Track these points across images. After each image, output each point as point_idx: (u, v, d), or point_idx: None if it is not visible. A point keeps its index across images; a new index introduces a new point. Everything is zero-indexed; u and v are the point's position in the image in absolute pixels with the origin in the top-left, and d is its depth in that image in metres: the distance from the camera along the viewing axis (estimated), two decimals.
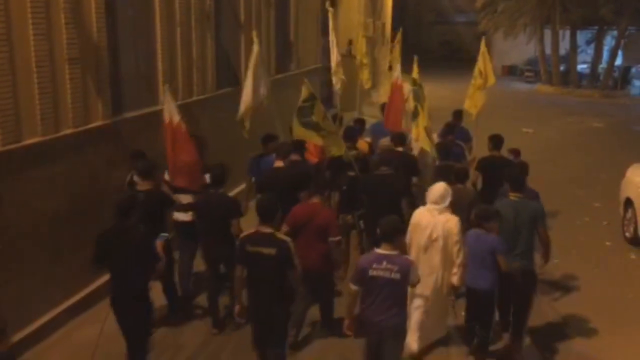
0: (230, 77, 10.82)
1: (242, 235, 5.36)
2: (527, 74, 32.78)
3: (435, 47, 40.43)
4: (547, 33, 29.98)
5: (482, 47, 10.24)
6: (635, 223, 9.45)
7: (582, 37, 31.27)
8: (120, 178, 7.40)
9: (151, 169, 6.23)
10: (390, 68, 14.88)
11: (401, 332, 5.20)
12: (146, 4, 8.17)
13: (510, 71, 35.10)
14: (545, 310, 7.41)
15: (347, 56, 19.71)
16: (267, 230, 5.10)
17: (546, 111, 22.13)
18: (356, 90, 16.35)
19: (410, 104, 8.86)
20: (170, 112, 6.68)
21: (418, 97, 8.50)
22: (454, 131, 8.91)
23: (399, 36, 12.84)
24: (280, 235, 5.19)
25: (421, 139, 8.37)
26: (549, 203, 10.93)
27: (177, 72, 8.81)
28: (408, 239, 5.90)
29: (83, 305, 6.81)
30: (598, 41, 30.53)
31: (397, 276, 4.88)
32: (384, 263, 4.89)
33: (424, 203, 6.15)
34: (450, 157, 8.28)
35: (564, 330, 6.94)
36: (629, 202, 9.82)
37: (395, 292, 4.95)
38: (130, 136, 7.67)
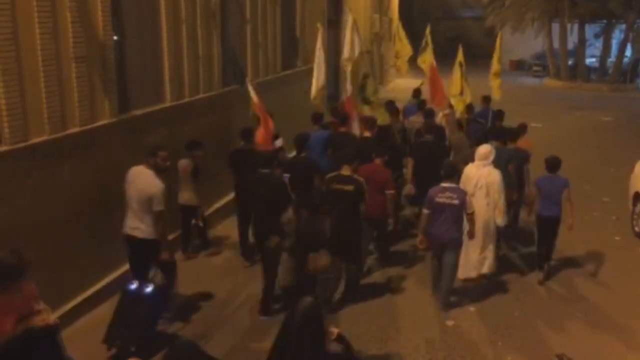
0: (237, 74, 10.81)
1: (327, 176, 7.16)
2: (535, 68, 32.64)
3: (443, 42, 40.28)
4: (555, 27, 29.82)
5: (498, 41, 12.56)
6: None
7: (590, 30, 31.08)
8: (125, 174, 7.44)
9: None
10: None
11: (458, 244, 6.99)
12: (152, 1, 8.18)
13: (518, 66, 35.01)
14: (552, 304, 7.40)
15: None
16: (347, 172, 6.96)
17: (554, 106, 22.01)
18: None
19: (458, 85, 10.92)
20: (255, 95, 8.93)
21: (465, 78, 10.92)
22: (473, 111, 11.26)
23: (428, 28, 13.30)
24: (357, 176, 6.97)
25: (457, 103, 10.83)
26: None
27: (183, 69, 8.81)
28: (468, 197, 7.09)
29: (85, 307, 6.86)
30: (606, 35, 30.35)
31: (456, 202, 6.76)
32: (447, 193, 6.81)
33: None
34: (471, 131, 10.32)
35: (572, 324, 6.93)
36: (638, 197, 9.77)
37: (454, 214, 6.79)
38: (137, 134, 7.69)
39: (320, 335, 3.66)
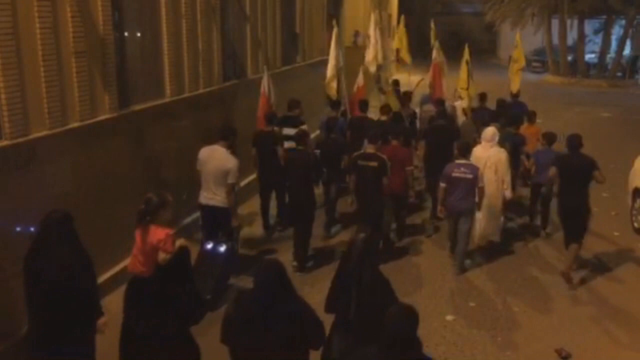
0: (237, 69, 10.81)
1: (354, 154, 8.17)
2: (534, 64, 32.57)
3: (442, 38, 40.18)
4: (555, 23, 29.78)
5: (517, 39, 14.24)
6: None
7: (589, 26, 31.07)
8: (128, 170, 7.45)
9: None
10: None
11: (472, 212, 8.01)
12: None
13: None
14: (551, 299, 7.42)
15: (353, 47, 19.69)
16: (372, 150, 7.91)
17: (554, 102, 21.97)
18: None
19: (465, 80, 11.91)
20: (265, 85, 9.77)
21: (471, 74, 11.95)
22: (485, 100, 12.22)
23: (432, 26, 14.74)
24: (380, 154, 7.88)
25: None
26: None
27: (183, 64, 8.81)
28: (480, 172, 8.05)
29: None
30: (606, 30, 30.33)
31: (470, 176, 7.79)
32: (462, 168, 7.85)
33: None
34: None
35: (573, 321, 6.95)
36: (637, 192, 9.78)
37: (468, 186, 7.80)
38: (138, 129, 7.69)
39: (377, 263, 4.63)
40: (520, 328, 6.77)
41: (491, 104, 12.23)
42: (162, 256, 4.89)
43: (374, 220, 7.78)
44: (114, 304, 6.49)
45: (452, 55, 16.56)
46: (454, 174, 7.86)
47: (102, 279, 7.04)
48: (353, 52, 19.50)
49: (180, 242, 5.08)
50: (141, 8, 8.13)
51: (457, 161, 8.00)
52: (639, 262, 8.66)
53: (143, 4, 8.13)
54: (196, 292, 5.04)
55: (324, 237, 9.05)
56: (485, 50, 37.92)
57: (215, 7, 9.63)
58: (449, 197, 7.96)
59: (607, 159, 11.70)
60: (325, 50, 16.29)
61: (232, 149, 7.38)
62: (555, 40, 30.02)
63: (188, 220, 8.65)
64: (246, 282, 6.97)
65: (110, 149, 7.16)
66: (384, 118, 10.38)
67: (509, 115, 10.54)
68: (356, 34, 19.88)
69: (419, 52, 19.45)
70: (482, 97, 12.06)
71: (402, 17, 16.29)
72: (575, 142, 7.83)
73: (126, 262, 7.21)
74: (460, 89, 12.06)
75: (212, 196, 7.25)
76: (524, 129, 10.47)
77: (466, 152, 8.10)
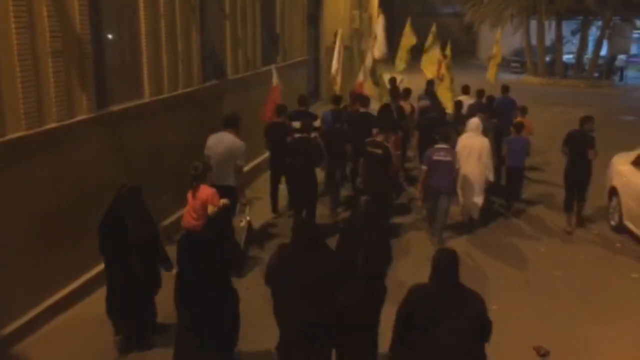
0: (217, 69, 10.75)
1: (365, 141, 9.02)
2: (513, 64, 32.82)
3: (423, 38, 40.37)
4: (533, 24, 30.06)
5: (497, 37, 16.06)
6: (620, 212, 9.55)
7: (567, 27, 31.37)
8: (106, 172, 7.37)
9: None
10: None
11: (451, 191, 8.90)
12: None
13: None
14: (529, 297, 7.48)
15: (334, 48, 19.66)
16: (380, 139, 8.82)
17: (533, 101, 21.98)
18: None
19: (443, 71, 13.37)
20: (275, 81, 10.95)
21: (449, 68, 13.46)
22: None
23: (434, 27, 15.18)
24: (386, 143, 8.82)
25: (445, 97, 13.14)
26: (536, 193, 11.15)
27: (162, 64, 8.74)
28: (457, 155, 9.05)
29: (62, 306, 6.79)
30: (583, 31, 30.66)
31: (449, 159, 8.69)
32: (442, 152, 8.72)
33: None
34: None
35: (550, 317, 7.02)
36: (613, 191, 9.92)
37: (447, 168, 8.66)
38: (116, 129, 7.61)
39: (382, 225, 5.79)
40: (497, 325, 6.80)
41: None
42: (211, 209, 5.97)
43: (380, 198, 8.17)
44: (97, 306, 6.47)
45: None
46: (434, 157, 8.72)
47: (80, 281, 6.99)
48: (332, 53, 19.50)
49: (223, 201, 6.17)
50: (119, 7, 8.05)
51: (437, 146, 8.82)
52: (616, 259, 8.78)
53: (121, 4, 8.06)
54: (237, 243, 6.06)
55: (330, 217, 9.84)
56: (465, 51, 38.10)
57: (194, 7, 9.57)
58: (430, 178, 8.80)
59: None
60: (306, 50, 16.34)
61: (238, 134, 8.06)
62: (534, 41, 30.31)
63: (173, 217, 8.58)
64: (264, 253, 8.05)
65: (88, 149, 7.09)
66: (362, 110, 10.94)
67: (493, 108, 11.85)
68: (336, 34, 19.85)
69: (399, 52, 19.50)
70: (480, 93, 12.87)
71: (409, 19, 16.36)
72: (584, 121, 9.65)
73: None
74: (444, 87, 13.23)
75: (221, 177, 7.51)
76: (517, 121, 11.23)
77: (446, 138, 8.88)
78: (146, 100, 8.43)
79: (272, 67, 11.43)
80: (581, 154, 9.39)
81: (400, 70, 15.90)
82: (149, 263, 5.80)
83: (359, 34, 24.05)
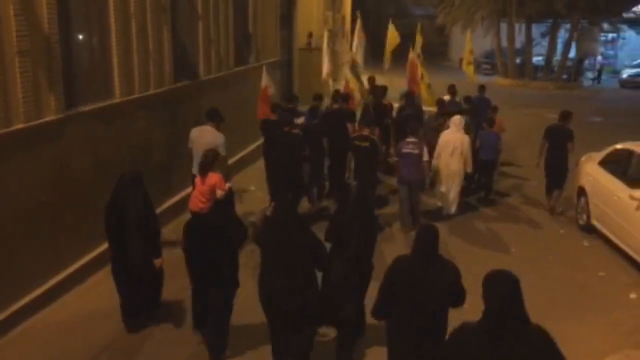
0: (189, 70, 10.66)
1: (352, 135, 9.81)
2: (484, 66, 33.19)
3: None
4: (503, 27, 30.46)
5: (468, 36, 17.32)
6: (588, 211, 9.70)
7: (537, 30, 31.84)
8: (75, 173, 7.25)
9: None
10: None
11: (421, 183, 9.55)
12: None
13: None
14: None
15: (307, 49, 19.68)
16: (366, 132, 9.49)
17: (503, 103, 22.20)
18: (314, 82, 16.63)
19: (419, 70, 14.24)
20: (266, 81, 11.32)
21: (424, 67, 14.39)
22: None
23: (419, 28, 15.83)
24: (372, 136, 9.54)
25: (425, 95, 14.09)
26: (506, 197, 11.28)
27: (132, 64, 8.62)
28: (437, 150, 10.05)
29: (31, 309, 6.67)
30: (552, 34, 31.16)
31: (416, 151, 9.23)
32: (410, 146, 9.29)
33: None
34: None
35: None
36: (581, 191, 10.07)
37: (415, 160, 9.23)
38: (86, 130, 7.49)
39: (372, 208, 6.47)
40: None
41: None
42: (219, 192, 6.59)
43: (368, 187, 8.76)
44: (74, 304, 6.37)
45: (405, 57, 16.82)
46: (403, 150, 9.36)
47: (49, 284, 6.87)
48: (307, 54, 19.51)
49: (228, 185, 6.80)
50: (88, 6, 7.92)
51: (407, 139, 9.43)
52: (584, 258, 8.91)
53: (90, 2, 7.93)
54: (240, 221, 6.31)
55: (309, 208, 10.11)
56: (437, 53, 38.44)
57: (165, 6, 9.47)
58: (402, 169, 9.43)
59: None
60: (279, 51, 16.30)
61: (218, 127, 8.54)
62: (504, 43, 30.71)
63: None
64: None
65: (58, 150, 6.97)
66: (335, 106, 11.54)
67: (474, 108, 12.67)
68: (310, 35, 19.88)
69: (374, 54, 19.62)
70: (452, 93, 13.59)
71: (389, 20, 16.90)
72: (564, 115, 10.56)
73: (75, 265, 7.16)
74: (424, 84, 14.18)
75: None
76: (490, 117, 11.89)
77: (415, 131, 9.52)
78: (117, 100, 8.31)
79: (263, 67, 11.81)
80: (560, 145, 10.24)
81: (386, 69, 16.36)
82: (149, 249, 6.19)
83: (333, 35, 24.08)
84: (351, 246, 5.65)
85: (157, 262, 6.24)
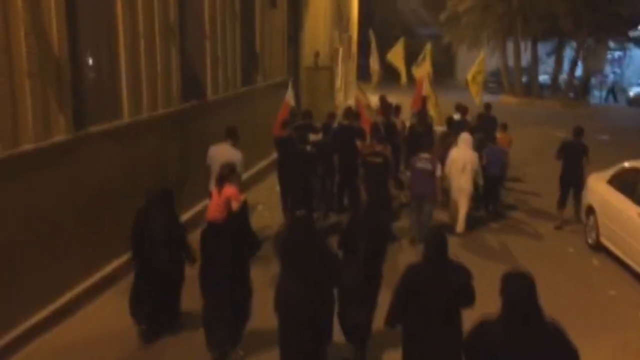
0: (197, 89, 10.73)
1: (364, 152, 10.01)
2: (490, 85, 33.22)
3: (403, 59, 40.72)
4: (509, 45, 30.55)
5: (481, 57, 16.36)
6: (597, 230, 9.66)
7: (543, 48, 31.93)
8: (84, 193, 7.28)
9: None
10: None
11: (433, 197, 9.67)
12: (108, 16, 8.06)
13: None
14: None
15: (314, 68, 19.80)
16: (379, 148, 9.80)
17: (510, 121, 22.14)
18: (320, 100, 16.81)
19: (429, 91, 14.25)
20: (289, 97, 11.86)
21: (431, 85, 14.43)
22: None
23: (429, 46, 16.12)
24: (386, 152, 9.84)
25: (434, 114, 14.01)
26: (513, 216, 11.24)
27: (141, 84, 8.70)
28: (447, 167, 10.15)
29: (37, 330, 6.66)
30: (558, 53, 31.22)
31: (429, 167, 9.53)
32: (423, 161, 9.61)
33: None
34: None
35: None
36: (590, 210, 10.04)
37: (427, 175, 9.51)
38: (94, 150, 7.54)
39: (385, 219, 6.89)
40: None
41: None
42: (235, 205, 6.66)
43: (380, 204, 8.85)
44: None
45: (411, 76, 16.93)
46: (417, 165, 9.69)
47: (54, 306, 6.86)
48: (314, 73, 19.63)
49: (243, 196, 6.95)
50: (98, 27, 8.02)
51: (420, 155, 9.76)
52: (593, 276, 8.85)
53: (100, 24, 8.02)
54: (253, 232, 6.82)
55: (318, 221, 10.04)
56: (443, 72, 38.58)
57: (173, 27, 9.57)
58: (414, 184, 9.84)
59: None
60: (286, 70, 16.42)
61: (235, 145, 8.88)
62: (511, 62, 30.77)
63: None
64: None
65: (66, 171, 7.00)
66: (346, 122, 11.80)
67: (477, 126, 12.79)
68: (316, 54, 20.01)
69: (385, 74, 19.81)
70: (464, 112, 13.66)
71: (402, 39, 17.38)
72: (577, 131, 10.93)
73: (82, 286, 7.16)
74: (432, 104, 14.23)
75: None
76: (499, 137, 12.12)
77: (427, 148, 10.03)
78: (125, 120, 8.37)
79: (289, 82, 12.69)
80: (576, 160, 10.58)
81: (404, 84, 16.91)
82: (175, 259, 6.60)
83: (339, 54, 24.24)
84: (360, 255, 5.93)
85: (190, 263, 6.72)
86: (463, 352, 4.26)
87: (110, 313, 7.09)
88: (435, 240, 4.92)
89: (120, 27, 8.20)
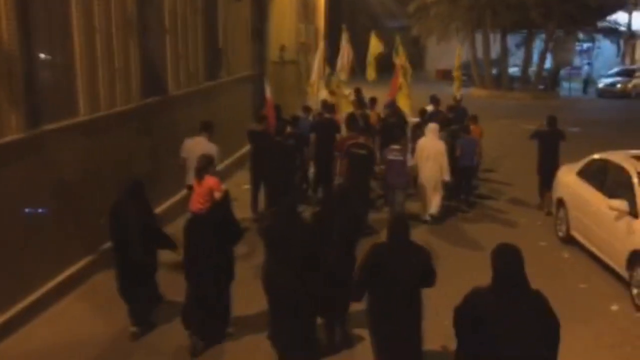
0: (158, 85, 10.60)
1: (348, 143, 10.08)
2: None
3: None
4: (478, 37, 30.89)
5: (458, 51, 18.13)
6: (567, 222, 9.81)
7: (512, 40, 32.36)
8: (38, 193, 7.13)
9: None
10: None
11: (405, 187, 10.25)
12: (62, 9, 7.88)
13: (445, 75, 35.80)
14: None
15: (280, 62, 19.74)
16: (362, 140, 10.18)
17: (480, 114, 22.47)
18: (287, 95, 16.75)
19: (401, 79, 14.24)
20: (268, 92, 12.06)
21: (405, 75, 14.34)
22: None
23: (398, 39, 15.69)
24: (369, 144, 10.46)
25: (404, 106, 13.98)
26: (486, 207, 11.38)
27: (98, 80, 8.54)
28: (416, 157, 10.75)
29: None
30: (527, 44, 31.70)
31: (400, 158, 10.06)
32: (394, 152, 10.08)
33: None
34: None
35: None
36: (560, 203, 10.19)
37: (400, 166, 10.04)
38: (50, 149, 7.38)
39: (356, 211, 6.77)
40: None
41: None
42: (217, 194, 6.99)
43: (361, 197, 9.34)
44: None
45: (380, 69, 17.04)
46: (389, 157, 10.12)
47: (15, 310, 6.71)
48: (280, 67, 19.57)
49: (224, 187, 7.27)
50: (50, 22, 7.82)
51: (392, 146, 10.19)
52: (564, 269, 8.99)
53: (52, 18, 7.83)
54: (237, 221, 6.90)
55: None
56: (413, 64, 38.87)
57: (131, 20, 9.42)
58: (387, 175, 10.18)
59: (532, 171, 12.19)
60: (251, 65, 16.32)
61: (210, 138, 9.12)
62: (480, 54, 31.13)
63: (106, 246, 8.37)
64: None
65: (20, 171, 6.84)
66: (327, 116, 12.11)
67: (449, 118, 13.27)
68: (282, 48, 19.94)
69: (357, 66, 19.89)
70: (437, 103, 14.39)
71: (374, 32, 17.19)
72: (551, 120, 11.58)
73: (40, 291, 7.01)
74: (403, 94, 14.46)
75: None
76: (466, 124, 12.58)
77: (399, 139, 10.41)
78: (81, 118, 8.21)
79: (264, 78, 13.27)
80: (553, 148, 11.22)
81: (371, 80, 16.80)
82: (149, 251, 6.79)
83: (306, 48, 24.21)
84: (333, 244, 6.24)
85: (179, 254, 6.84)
86: (453, 320, 4.48)
87: (73, 318, 6.99)
88: (397, 223, 5.46)
89: (75, 21, 8.02)
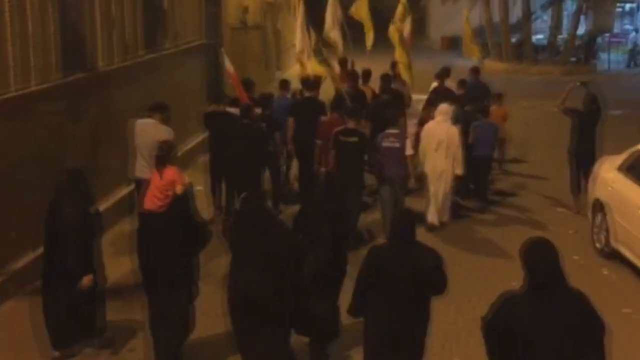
0: (83, 59, 10.55)
1: (335, 130, 10.16)
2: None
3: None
4: None
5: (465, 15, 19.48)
6: (607, 231, 9.71)
7: (537, 1, 32.47)
8: None
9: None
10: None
11: (404, 180, 10.38)
12: None
13: (452, 44, 35.70)
14: None
15: (241, 28, 19.70)
16: (352, 126, 10.07)
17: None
18: (252, 67, 16.80)
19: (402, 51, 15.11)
20: (229, 66, 12.85)
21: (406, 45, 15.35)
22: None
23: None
24: (360, 129, 10.25)
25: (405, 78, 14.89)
26: (503, 210, 11.43)
27: (6, 54, 8.52)
28: (421, 145, 10.79)
29: None
30: (557, 6, 31.80)
31: (397, 145, 10.13)
32: (390, 138, 10.21)
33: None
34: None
35: None
36: (598, 205, 10.13)
37: (397, 155, 10.10)
38: None
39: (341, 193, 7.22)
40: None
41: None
42: (179, 188, 7.07)
43: (354, 195, 9.71)
44: None
45: (375, 35, 17.24)
46: (383, 144, 10.18)
47: None
48: (242, 35, 19.54)
49: (187, 179, 7.42)
50: None
51: (387, 130, 10.28)
52: (604, 290, 8.89)
53: None
54: (204, 221, 7.23)
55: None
56: (414, 31, 38.95)
57: None
58: (382, 166, 10.19)
59: (563, 165, 12.21)
60: (203, 32, 16.28)
61: (165, 121, 9.40)
62: (496, 18, 31.19)
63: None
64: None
65: None
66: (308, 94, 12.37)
67: (463, 96, 13.44)
68: (244, 10, 19.92)
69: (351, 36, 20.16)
70: (441, 76, 14.50)
71: None
72: (591, 98, 11.83)
73: None
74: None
75: (149, 167, 8.42)
76: (492, 110, 12.79)
77: (395, 121, 10.54)
78: None
79: (218, 47, 13.57)
80: (590, 132, 11.38)
81: (369, 48, 17.23)
82: (84, 254, 6.81)
83: (275, 10, 24.19)
84: (322, 240, 6.48)
85: (85, 279, 6.75)
86: (483, 333, 4.62)
87: (18, 320, 7.31)
88: (401, 220, 5.65)
89: None
